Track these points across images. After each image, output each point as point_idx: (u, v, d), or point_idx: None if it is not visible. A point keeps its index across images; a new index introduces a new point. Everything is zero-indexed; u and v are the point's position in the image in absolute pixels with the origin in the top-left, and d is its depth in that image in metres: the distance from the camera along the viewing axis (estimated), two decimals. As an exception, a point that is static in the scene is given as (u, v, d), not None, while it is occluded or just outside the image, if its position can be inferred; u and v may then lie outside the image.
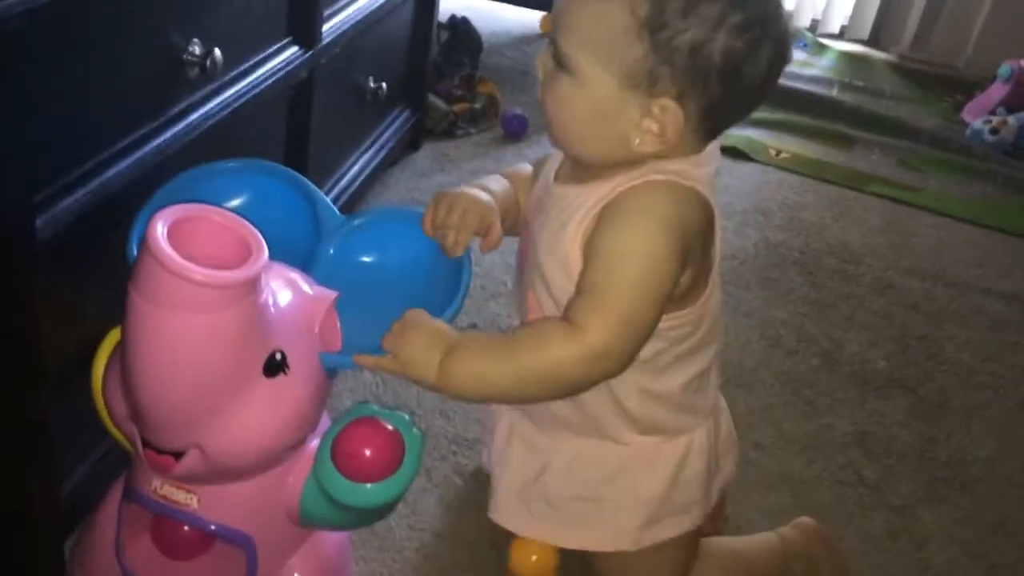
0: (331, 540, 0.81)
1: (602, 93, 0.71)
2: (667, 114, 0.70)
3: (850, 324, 1.41)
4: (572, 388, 0.75)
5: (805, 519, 0.97)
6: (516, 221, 0.85)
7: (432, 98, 1.74)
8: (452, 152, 1.73)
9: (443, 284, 0.78)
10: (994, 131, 2.07)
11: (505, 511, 0.86)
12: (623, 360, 0.73)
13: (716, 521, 0.96)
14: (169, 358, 0.63)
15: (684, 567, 0.89)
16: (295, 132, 1.13)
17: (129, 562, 0.74)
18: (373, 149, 1.45)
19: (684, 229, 0.73)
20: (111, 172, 0.76)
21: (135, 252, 0.70)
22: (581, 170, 0.77)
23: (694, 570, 0.89)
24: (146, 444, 0.68)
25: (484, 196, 0.82)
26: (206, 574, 0.76)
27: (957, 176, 1.97)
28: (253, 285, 0.64)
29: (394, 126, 1.53)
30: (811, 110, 2.14)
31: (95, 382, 0.75)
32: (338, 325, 0.74)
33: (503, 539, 0.89)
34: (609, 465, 0.83)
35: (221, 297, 0.62)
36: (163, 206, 0.67)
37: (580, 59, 0.70)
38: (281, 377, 0.68)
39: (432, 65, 1.73)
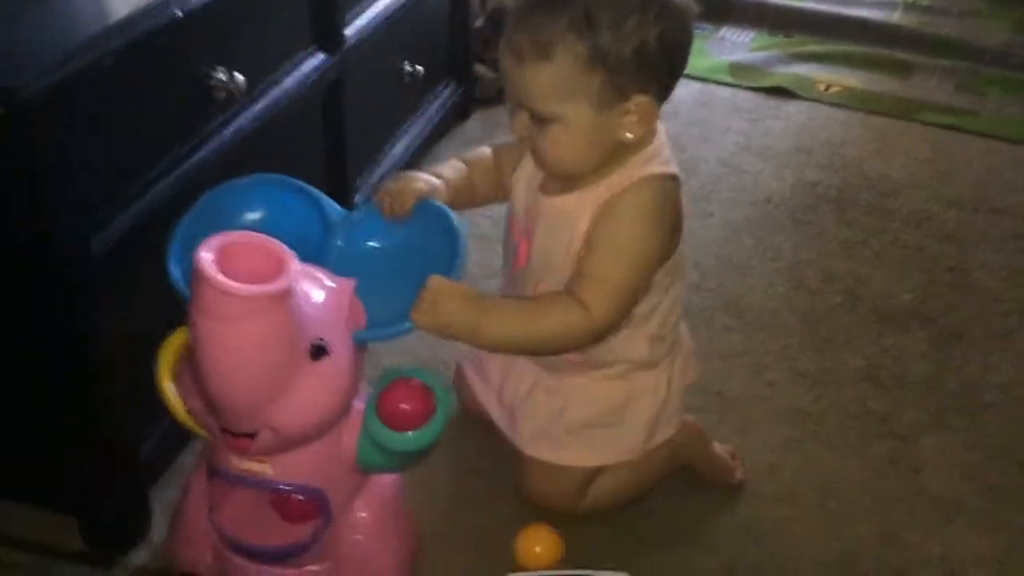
0: (386, 480, 0.95)
1: (586, 123, 0.87)
2: (642, 105, 0.87)
3: (879, 260, 1.45)
4: (574, 350, 0.94)
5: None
6: (471, 198, 1.01)
7: (478, 67, 1.84)
8: (503, 118, 1.81)
9: (441, 255, 0.91)
10: (1063, 44, 2.01)
11: (534, 446, 1.03)
12: (615, 329, 0.92)
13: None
14: (232, 361, 0.76)
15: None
16: (331, 132, 1.25)
17: (220, 520, 0.91)
18: (417, 126, 1.57)
19: (670, 211, 0.92)
20: (154, 191, 0.92)
21: (171, 266, 0.85)
22: (567, 179, 0.94)
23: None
24: (224, 431, 0.83)
25: (425, 179, 0.95)
26: (285, 525, 0.92)
27: (1019, 95, 1.93)
28: (290, 291, 0.78)
29: (438, 101, 1.64)
30: (866, 38, 2.11)
31: (158, 381, 0.89)
32: (361, 306, 0.88)
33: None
34: (618, 397, 1.01)
35: (266, 306, 0.76)
36: (190, 225, 0.84)
37: (558, 110, 0.87)
38: (325, 359, 0.81)
39: (477, 32, 1.82)
